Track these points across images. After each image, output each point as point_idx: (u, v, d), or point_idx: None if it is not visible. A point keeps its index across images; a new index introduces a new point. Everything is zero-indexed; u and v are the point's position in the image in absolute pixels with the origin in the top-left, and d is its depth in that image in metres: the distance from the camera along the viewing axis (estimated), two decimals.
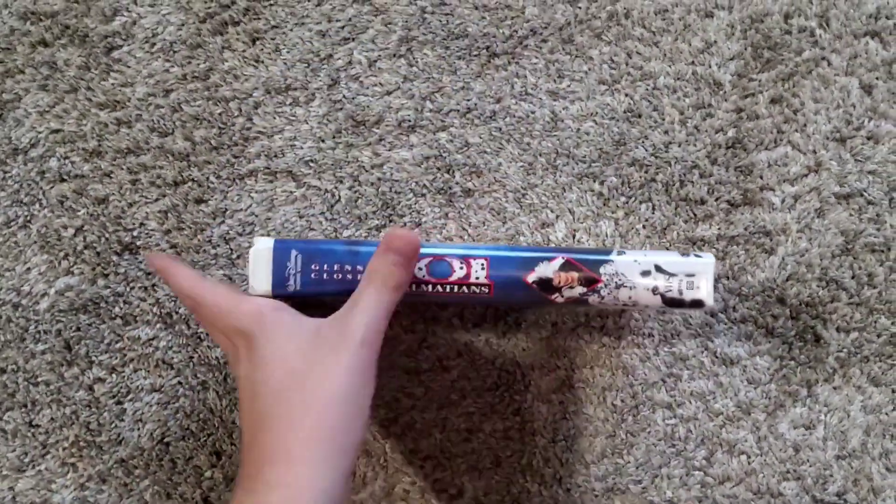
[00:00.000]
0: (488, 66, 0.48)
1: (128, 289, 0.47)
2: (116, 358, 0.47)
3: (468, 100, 0.48)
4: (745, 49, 0.47)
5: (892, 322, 0.46)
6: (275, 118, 0.48)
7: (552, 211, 0.47)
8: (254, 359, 0.35)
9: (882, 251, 0.46)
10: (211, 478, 0.46)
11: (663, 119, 0.47)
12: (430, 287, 0.38)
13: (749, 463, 0.46)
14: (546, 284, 0.38)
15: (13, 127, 0.48)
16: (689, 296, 0.38)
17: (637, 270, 0.38)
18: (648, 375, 0.46)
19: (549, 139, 0.47)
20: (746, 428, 0.46)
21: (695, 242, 0.46)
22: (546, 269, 0.38)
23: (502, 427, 0.46)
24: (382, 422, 0.46)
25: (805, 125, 0.47)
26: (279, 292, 0.38)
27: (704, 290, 0.38)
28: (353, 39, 0.48)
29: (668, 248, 0.46)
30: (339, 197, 0.47)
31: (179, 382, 0.47)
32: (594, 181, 0.47)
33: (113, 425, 0.46)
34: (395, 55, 0.48)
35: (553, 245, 0.46)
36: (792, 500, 0.45)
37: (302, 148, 0.47)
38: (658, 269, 0.38)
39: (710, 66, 0.47)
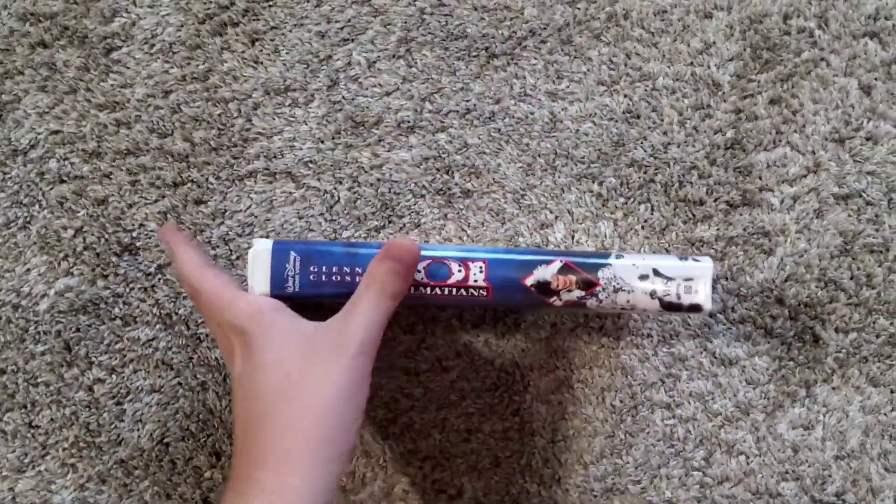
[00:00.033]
0: (487, 67, 0.48)
1: (127, 290, 0.47)
2: (116, 359, 0.47)
3: (467, 101, 0.48)
4: (744, 50, 0.47)
5: (891, 323, 0.46)
6: (274, 119, 0.48)
7: (551, 212, 0.47)
8: (249, 359, 0.35)
9: (881, 252, 0.46)
10: (210, 478, 0.46)
11: (662, 120, 0.47)
12: (428, 289, 0.39)
13: (748, 463, 0.46)
14: (544, 288, 0.38)
15: (12, 128, 0.48)
16: (687, 300, 0.38)
17: (635, 274, 0.38)
18: (647, 376, 0.46)
19: (548, 140, 0.47)
20: (745, 428, 0.46)
21: (693, 243, 0.47)
22: (544, 273, 0.38)
23: (501, 427, 0.46)
24: (381, 422, 0.46)
25: (804, 126, 0.47)
26: (278, 293, 0.39)
27: (702, 295, 0.38)
28: (353, 40, 0.48)
29: (667, 249, 0.47)
30: (339, 198, 0.47)
31: (179, 383, 0.47)
32: (593, 182, 0.47)
33: (113, 426, 0.46)
34: (394, 56, 0.48)
35: (552, 246, 0.46)
36: (791, 500, 0.45)
37: (301, 149, 0.47)
38: (656, 273, 0.38)
39: (708, 67, 0.47)
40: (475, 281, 0.38)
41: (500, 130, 0.47)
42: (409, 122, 0.48)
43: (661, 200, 0.47)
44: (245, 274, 0.46)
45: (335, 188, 0.47)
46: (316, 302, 0.40)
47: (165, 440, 0.46)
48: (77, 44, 0.48)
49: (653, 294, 0.38)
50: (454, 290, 0.38)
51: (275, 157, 0.47)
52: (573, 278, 0.38)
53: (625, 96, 0.47)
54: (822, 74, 0.47)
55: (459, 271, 0.38)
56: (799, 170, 0.47)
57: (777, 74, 0.47)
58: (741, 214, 0.47)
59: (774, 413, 0.46)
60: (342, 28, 0.48)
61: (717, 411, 0.46)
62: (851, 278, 0.46)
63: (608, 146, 0.47)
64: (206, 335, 0.47)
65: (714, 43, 0.47)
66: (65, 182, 0.48)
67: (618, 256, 0.39)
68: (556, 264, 0.38)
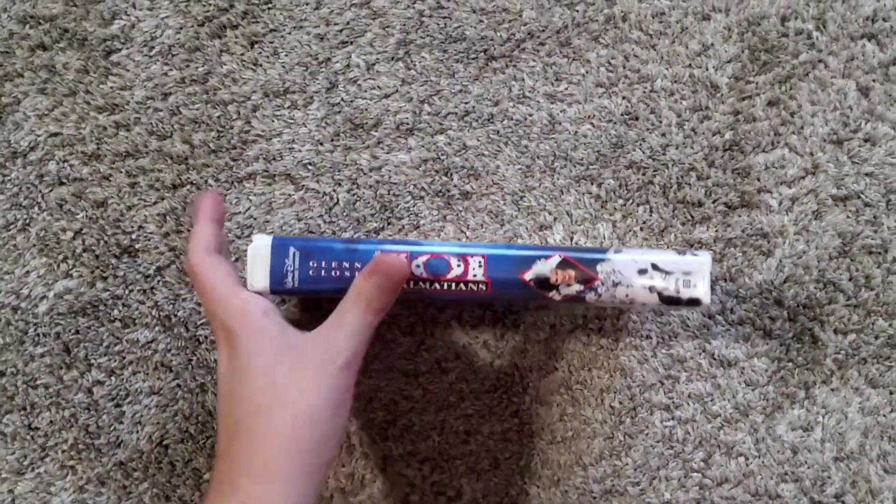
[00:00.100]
0: (486, 70, 0.48)
1: (126, 292, 0.47)
2: (115, 361, 0.47)
3: (466, 103, 0.48)
4: (742, 52, 0.47)
5: (890, 324, 0.46)
6: (273, 121, 0.48)
7: (550, 213, 0.47)
8: (235, 360, 0.35)
9: (879, 253, 0.46)
10: (210, 480, 0.46)
11: (660, 122, 0.47)
12: (427, 284, 0.39)
13: (747, 465, 0.46)
14: (543, 282, 0.38)
15: (12, 130, 0.48)
16: (685, 294, 0.38)
17: (634, 269, 0.38)
18: (646, 377, 0.46)
19: (547, 142, 0.47)
20: (744, 430, 0.46)
21: (692, 245, 0.47)
22: (543, 267, 0.38)
23: (500, 429, 0.46)
24: (381, 424, 0.46)
25: (802, 127, 0.47)
26: (277, 289, 0.39)
27: (701, 289, 0.38)
28: (352, 43, 0.48)
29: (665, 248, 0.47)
30: (338, 199, 0.47)
31: (178, 385, 0.47)
32: (592, 184, 0.47)
33: (112, 428, 0.46)
34: (393, 58, 0.48)
35: None
36: (790, 501, 0.45)
37: (300, 151, 0.48)
38: (655, 267, 0.38)
39: (707, 69, 0.47)
40: (474, 276, 0.38)
41: (498, 132, 0.48)
42: (408, 124, 0.48)
43: (660, 202, 0.47)
44: (245, 273, 0.46)
45: (334, 190, 0.47)
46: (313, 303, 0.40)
47: (164, 442, 0.46)
48: (77, 46, 0.48)
49: (652, 288, 0.38)
50: (453, 284, 0.38)
51: (274, 159, 0.47)
52: (572, 273, 0.38)
53: (623, 98, 0.47)
54: (821, 76, 0.47)
55: (458, 266, 0.38)
56: (797, 171, 0.47)
57: (775, 76, 0.47)
58: (740, 216, 0.47)
59: (773, 414, 0.46)
60: (341, 30, 0.48)
61: (716, 413, 0.46)
62: (850, 279, 0.46)
63: (607, 148, 0.47)
64: (206, 337, 0.47)
65: (712, 45, 0.47)
66: (64, 184, 0.48)
67: (616, 251, 0.39)
68: (555, 259, 0.38)
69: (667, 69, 0.47)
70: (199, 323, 0.47)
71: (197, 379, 0.47)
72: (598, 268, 0.38)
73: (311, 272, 0.38)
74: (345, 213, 0.47)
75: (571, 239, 0.47)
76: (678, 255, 0.39)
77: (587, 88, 0.48)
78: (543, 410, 0.46)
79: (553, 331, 0.47)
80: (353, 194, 0.47)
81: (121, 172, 0.48)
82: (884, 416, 0.46)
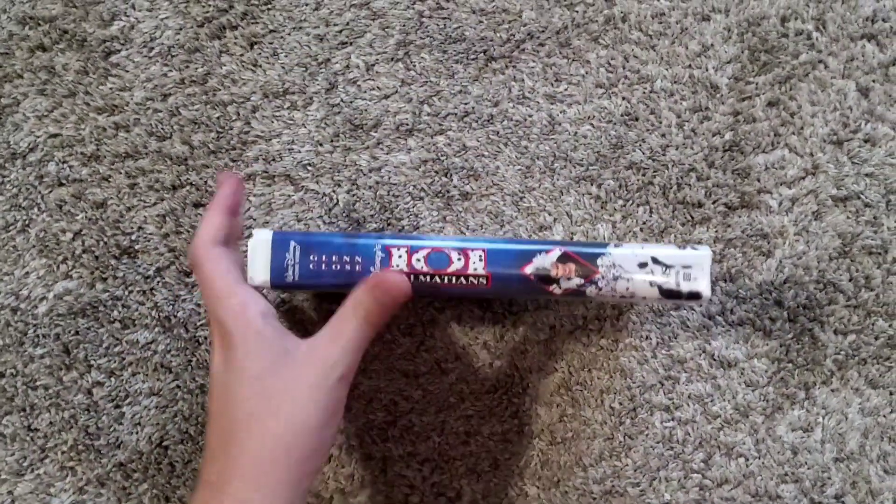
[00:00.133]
0: (486, 70, 0.48)
1: (126, 293, 0.47)
2: (115, 362, 0.47)
3: (466, 103, 0.48)
4: (742, 52, 0.47)
5: (890, 324, 0.46)
6: (273, 122, 0.48)
7: (549, 214, 0.47)
8: (230, 363, 0.35)
9: (879, 254, 0.46)
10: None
11: (660, 122, 0.47)
12: (428, 278, 0.38)
13: (747, 465, 0.46)
14: (544, 276, 0.38)
15: (11, 131, 0.48)
16: (686, 287, 0.38)
17: (634, 262, 0.38)
18: (646, 378, 0.46)
19: (547, 142, 0.47)
20: (744, 430, 0.46)
21: None
22: (544, 261, 0.38)
23: (500, 430, 0.46)
24: (381, 425, 0.46)
25: (802, 128, 0.47)
26: (278, 283, 0.38)
27: (702, 282, 0.38)
28: (351, 43, 0.48)
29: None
30: (337, 200, 0.47)
31: (178, 386, 0.47)
32: (591, 184, 0.47)
33: (111, 429, 0.46)
34: (392, 59, 0.48)
35: None
36: (790, 502, 0.45)
37: (300, 152, 0.47)
38: (655, 261, 0.38)
39: (706, 70, 0.47)
40: (475, 269, 0.38)
41: (498, 133, 0.48)
42: (407, 124, 0.48)
43: (660, 202, 0.47)
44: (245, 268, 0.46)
45: (334, 191, 0.47)
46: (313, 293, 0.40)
47: (164, 443, 0.46)
48: (76, 47, 0.48)
49: (652, 282, 0.38)
50: (454, 278, 0.38)
51: (273, 159, 0.47)
52: (572, 266, 0.38)
53: (623, 99, 0.47)
54: (820, 76, 0.47)
55: (459, 260, 0.38)
56: (797, 172, 0.47)
57: (775, 77, 0.47)
58: (739, 216, 0.47)
59: (773, 415, 0.46)
60: (341, 31, 0.48)
61: (716, 413, 0.46)
62: (850, 280, 0.46)
63: (606, 148, 0.47)
64: (205, 338, 0.47)
65: (712, 45, 0.47)
66: (63, 185, 0.48)
67: (616, 245, 0.39)
68: (556, 253, 0.38)
69: (667, 70, 0.47)
70: (198, 324, 0.47)
71: (196, 380, 0.47)
72: (599, 261, 0.38)
73: (311, 266, 0.38)
74: (344, 214, 0.47)
75: (571, 240, 0.47)
76: (678, 248, 0.39)
77: (587, 89, 0.48)
78: (543, 411, 0.46)
79: (553, 332, 0.47)
80: (353, 195, 0.47)
81: (120, 173, 0.47)
82: (884, 416, 0.46)
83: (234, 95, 0.48)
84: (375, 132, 0.48)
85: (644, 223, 0.47)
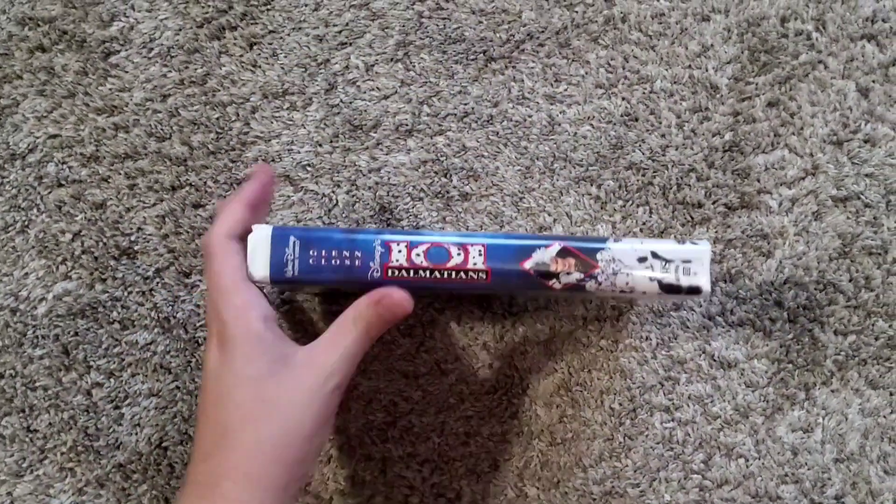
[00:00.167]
0: (485, 71, 0.48)
1: (125, 293, 0.47)
2: (114, 362, 0.47)
3: (465, 104, 0.48)
4: (742, 52, 0.47)
5: (890, 325, 0.46)
6: (272, 123, 0.48)
7: (549, 214, 0.47)
8: (226, 364, 0.35)
9: (879, 254, 0.46)
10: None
11: (660, 123, 0.47)
12: (427, 273, 0.38)
13: (747, 466, 0.46)
14: (543, 271, 0.38)
15: (11, 132, 0.48)
16: (685, 282, 0.38)
17: (634, 257, 0.38)
18: (646, 379, 0.46)
19: (546, 143, 0.47)
20: (744, 431, 0.46)
21: None
22: (543, 256, 0.38)
23: (500, 430, 0.46)
24: (380, 426, 0.46)
25: (802, 128, 0.47)
26: (277, 278, 0.38)
27: (702, 277, 0.38)
28: (351, 44, 0.48)
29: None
30: (337, 201, 0.47)
31: (177, 387, 0.47)
32: (591, 185, 0.47)
33: (111, 430, 0.46)
34: (392, 59, 0.48)
35: None
36: (790, 503, 0.45)
37: (299, 152, 0.47)
38: (655, 255, 0.38)
39: (706, 70, 0.47)
40: (474, 264, 0.38)
41: (498, 133, 0.47)
42: (407, 125, 0.48)
43: (660, 203, 0.47)
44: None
45: (333, 191, 0.47)
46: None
47: (164, 444, 0.46)
48: (75, 48, 0.48)
49: (651, 277, 0.38)
50: (453, 273, 0.38)
51: (273, 160, 0.47)
52: (572, 261, 0.38)
53: (623, 99, 0.47)
54: (820, 77, 0.47)
55: (458, 255, 0.38)
56: (797, 172, 0.47)
57: (775, 77, 0.47)
58: (739, 217, 0.47)
59: (774, 416, 0.46)
60: (340, 32, 0.48)
61: (716, 414, 0.46)
62: (850, 280, 0.46)
63: (606, 149, 0.47)
64: (204, 339, 0.47)
65: (712, 46, 0.47)
66: (63, 186, 0.48)
67: (616, 240, 0.39)
68: (555, 247, 0.38)
69: (666, 70, 0.47)
70: (198, 325, 0.47)
71: (196, 381, 0.46)
72: (598, 256, 0.38)
73: (311, 261, 0.38)
74: (344, 215, 0.47)
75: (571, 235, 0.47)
76: (678, 243, 0.39)
77: (587, 89, 0.48)
78: (543, 412, 0.46)
79: (552, 332, 0.46)
80: (353, 196, 0.47)
81: (120, 174, 0.47)
82: (884, 417, 0.46)
83: (233, 96, 0.48)
84: (375, 133, 0.48)
85: (644, 223, 0.47)
